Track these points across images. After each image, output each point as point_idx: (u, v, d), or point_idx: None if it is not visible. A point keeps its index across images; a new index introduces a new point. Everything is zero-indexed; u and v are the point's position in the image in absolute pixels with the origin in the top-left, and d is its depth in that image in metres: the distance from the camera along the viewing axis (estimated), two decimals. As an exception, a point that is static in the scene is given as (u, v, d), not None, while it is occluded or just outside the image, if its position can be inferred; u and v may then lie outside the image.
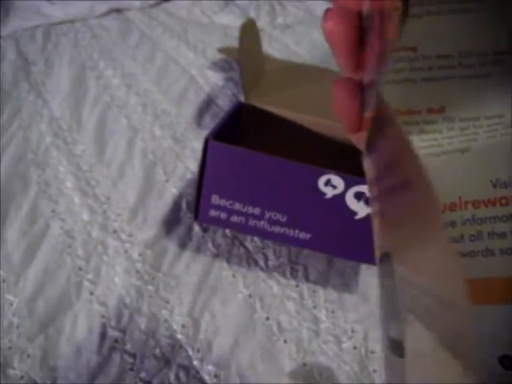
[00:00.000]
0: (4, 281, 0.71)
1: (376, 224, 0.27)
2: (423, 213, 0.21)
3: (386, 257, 0.24)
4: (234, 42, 1.21)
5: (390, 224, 0.25)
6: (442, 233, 0.21)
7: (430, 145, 0.23)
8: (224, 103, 1.04)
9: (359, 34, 0.29)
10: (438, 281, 0.20)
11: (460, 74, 0.23)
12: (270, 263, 0.74)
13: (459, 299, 0.19)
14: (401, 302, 0.23)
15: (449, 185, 0.22)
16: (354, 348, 0.67)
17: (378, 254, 0.26)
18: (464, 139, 0.23)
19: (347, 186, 0.62)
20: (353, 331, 0.68)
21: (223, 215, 0.66)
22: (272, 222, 0.66)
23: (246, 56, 0.85)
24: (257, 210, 0.65)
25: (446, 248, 0.20)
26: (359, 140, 0.31)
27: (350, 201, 0.63)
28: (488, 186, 0.22)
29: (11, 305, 0.68)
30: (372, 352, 0.66)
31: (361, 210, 0.63)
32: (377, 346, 0.67)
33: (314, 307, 0.70)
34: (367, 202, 0.62)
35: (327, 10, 0.29)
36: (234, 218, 0.66)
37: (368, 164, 0.29)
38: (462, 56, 0.22)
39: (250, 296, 0.71)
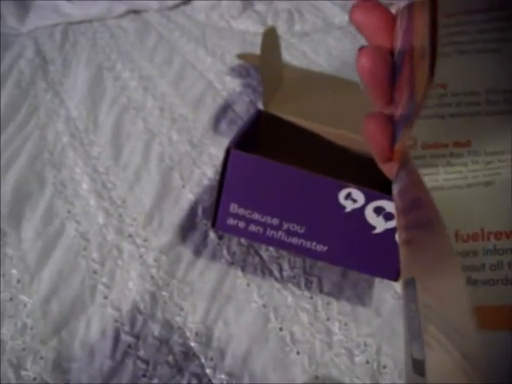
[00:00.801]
0: (19, 281, 0.71)
1: (403, 250, 0.28)
2: (439, 247, 0.22)
3: (411, 282, 0.25)
4: (251, 48, 1.21)
5: (415, 252, 0.25)
6: (454, 264, 0.22)
7: (455, 177, 0.24)
8: (241, 110, 1.04)
9: (391, 71, 0.30)
10: (448, 306, 0.22)
11: (486, 110, 0.23)
12: (285, 273, 0.74)
13: (465, 324, 0.20)
14: (422, 325, 0.23)
15: (472, 216, 0.23)
16: (367, 362, 0.66)
17: (403, 278, 0.27)
18: (488, 173, 0.23)
19: (367, 201, 0.62)
20: (365, 345, 0.68)
21: (241, 224, 0.66)
22: (290, 233, 0.65)
23: (266, 64, 0.85)
24: (275, 221, 0.65)
25: (456, 277, 0.21)
26: (389, 170, 0.32)
27: (370, 215, 0.63)
28: (510, 218, 0.22)
29: (25, 306, 0.68)
30: (384, 367, 0.66)
31: (379, 224, 0.63)
32: (389, 360, 0.67)
33: (328, 319, 0.70)
34: (386, 216, 0.62)
35: (361, 48, 0.30)
36: (252, 228, 0.66)
37: (395, 193, 0.30)
38: (488, 93, 0.23)
39: (264, 306, 0.70)
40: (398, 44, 0.29)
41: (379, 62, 0.30)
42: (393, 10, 0.31)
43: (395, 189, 0.30)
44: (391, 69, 0.30)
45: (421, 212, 0.25)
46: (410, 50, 0.26)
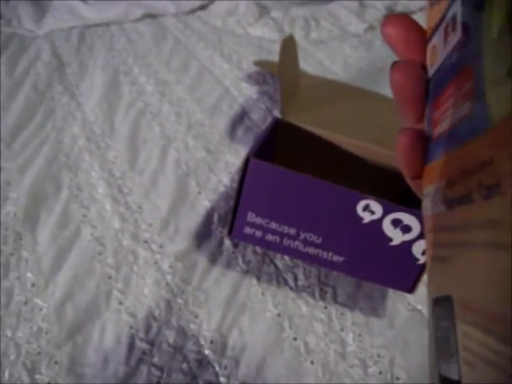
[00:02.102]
0: (33, 285, 0.71)
1: (434, 267, 0.27)
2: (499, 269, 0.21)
3: (446, 300, 0.24)
4: (267, 55, 1.22)
5: (455, 269, 0.25)
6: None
7: None
8: (258, 117, 1.04)
9: (424, 87, 0.30)
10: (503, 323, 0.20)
11: None
12: (300, 283, 0.74)
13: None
14: (461, 343, 0.23)
15: None
16: (380, 373, 0.66)
17: (434, 296, 0.26)
18: None
19: (385, 213, 0.62)
20: (379, 356, 0.68)
21: (258, 233, 0.66)
22: (306, 243, 0.65)
23: (284, 72, 0.85)
24: (292, 230, 0.65)
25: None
26: (417, 186, 0.32)
27: (387, 227, 0.63)
28: None
29: (41, 310, 0.68)
30: (397, 378, 0.66)
31: (396, 236, 0.63)
32: (402, 372, 0.67)
33: (342, 330, 0.70)
34: (403, 229, 0.62)
35: (394, 63, 0.30)
36: (269, 237, 0.66)
37: (423, 211, 0.30)
38: None
39: (278, 315, 0.70)
40: (439, 59, 0.28)
41: (412, 77, 0.30)
42: (424, 24, 0.31)
43: (423, 206, 0.30)
44: (424, 84, 0.30)
45: (470, 233, 0.24)
46: (468, 67, 0.25)
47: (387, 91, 1.14)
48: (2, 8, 1.37)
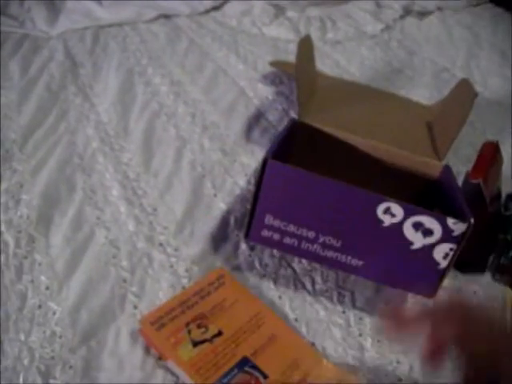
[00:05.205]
0: (47, 288, 0.70)
1: None
2: None
3: None
4: (283, 55, 1.21)
5: None
6: None
7: None
8: (274, 118, 1.03)
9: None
10: None
11: None
12: (317, 287, 0.73)
13: None
14: None
15: None
16: (399, 380, 0.65)
17: None
18: None
19: (406, 215, 0.61)
20: (398, 362, 0.66)
21: (276, 236, 0.65)
22: (325, 247, 0.64)
23: (301, 73, 0.84)
24: (311, 234, 0.64)
25: None
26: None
27: (408, 230, 0.61)
28: None
29: (54, 314, 0.67)
30: (417, 385, 0.65)
31: (417, 240, 0.62)
32: (421, 379, 0.65)
33: (360, 335, 0.69)
34: (424, 232, 0.61)
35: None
36: (287, 240, 0.65)
37: None
38: None
39: (296, 319, 0.69)
40: None
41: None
42: None
43: None
44: None
45: None
46: None
47: (404, 92, 1.14)
48: (15, 9, 1.37)
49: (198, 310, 0.65)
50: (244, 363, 0.61)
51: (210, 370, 0.59)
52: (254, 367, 0.61)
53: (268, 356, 0.62)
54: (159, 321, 0.63)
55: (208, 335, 0.63)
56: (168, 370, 0.61)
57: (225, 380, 0.58)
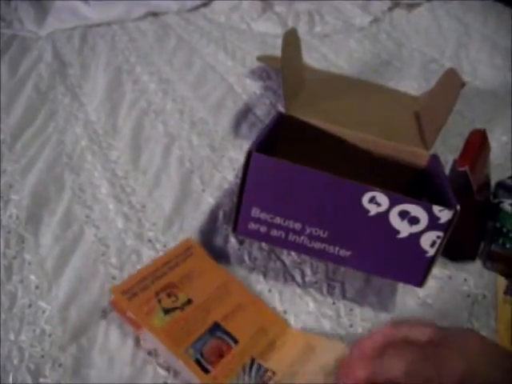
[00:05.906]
0: (37, 287, 0.70)
1: None
2: None
3: None
4: (271, 50, 1.21)
5: None
6: None
7: None
8: (262, 113, 1.03)
9: None
10: None
11: None
12: (307, 279, 0.73)
13: None
14: None
15: None
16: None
17: None
18: None
19: (392, 204, 0.60)
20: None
21: (263, 229, 0.65)
22: (312, 238, 0.64)
23: (287, 66, 0.84)
24: (297, 225, 0.64)
25: None
26: None
27: (394, 219, 0.61)
28: None
29: (44, 312, 0.67)
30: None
31: (404, 229, 0.62)
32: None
33: (351, 326, 0.69)
34: (411, 221, 0.61)
35: None
36: (274, 232, 0.65)
37: None
38: None
39: (284, 312, 0.69)
40: None
41: None
42: None
43: None
44: None
45: None
46: None
47: (392, 84, 1.13)
48: (2, 9, 1.37)
49: (167, 280, 0.67)
50: (215, 329, 0.62)
51: (182, 336, 0.60)
52: (225, 332, 0.62)
53: (237, 322, 0.64)
54: (130, 290, 0.63)
55: (178, 303, 0.64)
56: (158, 364, 0.62)
57: (197, 345, 0.59)
